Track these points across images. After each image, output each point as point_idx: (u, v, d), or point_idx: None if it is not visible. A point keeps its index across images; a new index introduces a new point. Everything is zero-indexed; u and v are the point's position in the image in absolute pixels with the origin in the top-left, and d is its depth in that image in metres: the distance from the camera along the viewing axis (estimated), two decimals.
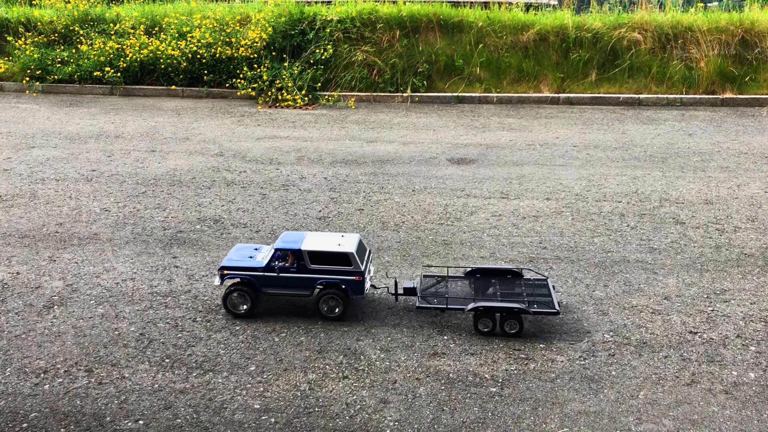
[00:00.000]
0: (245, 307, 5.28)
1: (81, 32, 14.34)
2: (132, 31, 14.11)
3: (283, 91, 12.98)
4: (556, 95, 13.12)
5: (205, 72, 13.55)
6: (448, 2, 14.53)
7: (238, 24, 14.03)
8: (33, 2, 16.16)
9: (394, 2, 14.24)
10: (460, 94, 13.24)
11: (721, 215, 7.42)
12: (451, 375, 4.61)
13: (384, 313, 5.38)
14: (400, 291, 5.38)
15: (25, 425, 4.15)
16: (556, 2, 15.70)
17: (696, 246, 6.65)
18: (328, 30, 13.59)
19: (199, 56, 13.52)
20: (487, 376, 4.60)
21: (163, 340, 5.03)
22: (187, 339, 5.05)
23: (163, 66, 13.64)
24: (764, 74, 13.15)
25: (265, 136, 10.71)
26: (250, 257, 5.38)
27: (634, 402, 4.33)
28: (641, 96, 13.01)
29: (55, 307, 5.52)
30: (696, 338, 5.05)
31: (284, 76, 13.02)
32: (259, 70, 13.23)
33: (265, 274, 5.24)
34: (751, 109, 12.60)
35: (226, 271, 5.30)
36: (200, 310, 5.45)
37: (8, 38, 14.72)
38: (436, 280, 5.55)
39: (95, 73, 13.74)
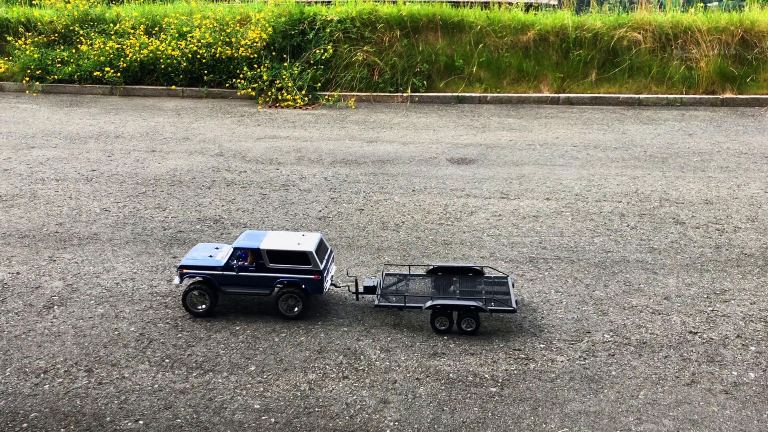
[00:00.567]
0: (204, 305, 5.30)
1: (81, 32, 14.34)
2: (132, 31, 14.11)
3: (283, 91, 12.98)
4: (556, 95, 13.12)
5: (205, 72, 13.55)
6: (448, 2, 14.53)
7: (238, 24, 14.03)
8: (33, 2, 16.16)
9: (394, 2, 14.24)
10: (460, 94, 13.24)
11: (721, 215, 7.42)
12: (451, 375, 4.61)
13: (384, 313, 5.38)
14: (361, 290, 5.41)
15: (25, 425, 4.15)
16: (556, 2, 15.70)
17: (696, 246, 6.65)
18: (328, 30, 13.59)
19: (199, 56, 13.52)
20: (487, 376, 4.60)
21: (163, 340, 5.03)
22: (187, 339, 5.05)
23: (163, 66, 13.64)
24: (764, 74, 13.15)
25: (265, 136, 10.71)
26: (210, 256, 5.41)
27: (634, 402, 4.33)
28: (641, 96, 13.01)
29: (55, 307, 5.52)
30: (696, 338, 5.05)
31: (284, 76, 13.02)
32: (259, 70, 13.23)
33: (224, 273, 5.27)
34: (751, 109, 12.60)
35: (185, 270, 5.33)
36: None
37: (8, 38, 14.72)
38: (397, 279, 5.57)
39: (95, 73, 13.74)
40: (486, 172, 8.91)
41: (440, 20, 13.80)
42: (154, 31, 14.29)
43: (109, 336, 5.09)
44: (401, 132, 10.97)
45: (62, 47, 14.41)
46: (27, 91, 13.93)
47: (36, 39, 14.53)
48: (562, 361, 4.76)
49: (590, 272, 6.10)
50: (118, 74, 13.69)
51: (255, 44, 13.40)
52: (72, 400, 4.36)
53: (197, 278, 5.35)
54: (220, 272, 5.28)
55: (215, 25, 13.86)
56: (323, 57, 13.41)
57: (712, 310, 5.45)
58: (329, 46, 13.42)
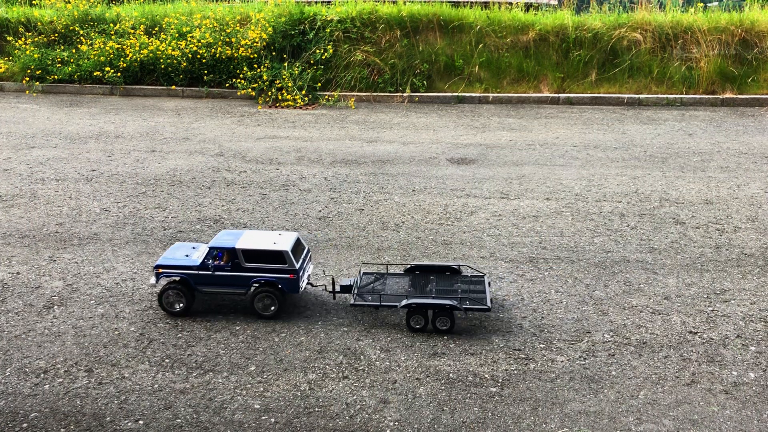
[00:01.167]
0: (181, 305, 5.31)
1: (81, 32, 14.34)
2: (132, 31, 14.11)
3: (283, 91, 12.98)
4: (556, 95, 13.12)
5: (205, 72, 13.55)
6: (449, 2, 14.52)
7: (238, 24, 14.03)
8: (33, 2, 16.16)
9: (394, 2, 14.24)
10: (460, 94, 13.24)
11: (721, 215, 7.42)
12: (451, 375, 4.61)
13: (384, 313, 5.38)
14: (337, 289, 5.43)
15: (25, 425, 4.15)
16: (556, 2, 15.70)
17: (696, 246, 6.65)
18: (328, 30, 13.59)
19: (199, 56, 13.52)
20: (487, 376, 4.60)
21: (163, 340, 5.03)
22: (187, 339, 5.05)
23: (163, 66, 13.64)
24: (764, 74, 13.15)
25: (265, 136, 10.71)
26: (187, 256, 5.43)
27: (634, 402, 4.33)
28: (641, 96, 13.01)
29: (55, 307, 5.52)
30: (696, 338, 5.05)
31: (284, 76, 13.02)
32: (259, 70, 13.23)
33: (200, 272, 5.28)
34: (751, 109, 12.60)
35: (161, 270, 5.34)
36: (200, 310, 5.45)
37: (8, 38, 14.71)
38: (374, 278, 5.58)
39: (95, 73, 13.74)
40: (486, 172, 8.91)
41: (440, 20, 13.80)
42: (154, 31, 14.28)
43: (109, 336, 5.09)
44: (401, 132, 10.97)
45: (62, 47, 14.41)
46: (27, 91, 13.93)
47: (36, 39, 14.53)
48: (562, 361, 4.76)
49: (590, 272, 6.10)
50: (118, 74, 13.68)
51: (255, 44, 13.40)
52: (72, 400, 4.36)
53: (173, 278, 5.36)
54: (196, 272, 5.28)
55: (215, 25, 13.86)
56: (323, 57, 13.41)
57: (712, 310, 5.45)
58: (329, 46, 13.42)
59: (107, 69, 13.65)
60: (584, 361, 4.76)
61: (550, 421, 4.16)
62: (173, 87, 13.67)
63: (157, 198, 7.98)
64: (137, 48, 13.72)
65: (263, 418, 4.20)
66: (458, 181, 8.52)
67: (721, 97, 12.91)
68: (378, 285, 5.47)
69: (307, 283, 5.48)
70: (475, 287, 5.37)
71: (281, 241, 5.26)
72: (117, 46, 13.85)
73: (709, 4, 15.33)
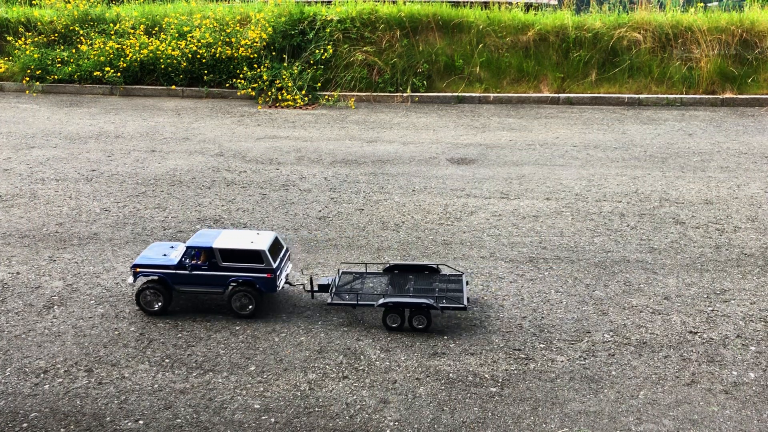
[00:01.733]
0: (159, 304, 5.32)
1: (81, 32, 14.34)
2: (132, 31, 14.11)
3: (283, 91, 12.98)
4: (556, 95, 13.12)
5: (205, 72, 13.55)
6: (448, 2, 14.52)
7: (238, 24, 14.02)
8: (33, 2, 16.15)
9: (394, 2, 14.24)
10: (460, 94, 13.24)
11: (721, 215, 7.42)
12: (451, 375, 4.61)
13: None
14: (315, 288, 5.44)
15: (25, 425, 4.15)
16: (556, 2, 15.69)
17: (696, 246, 6.65)
18: (328, 30, 13.59)
19: (199, 56, 13.52)
20: (487, 376, 4.60)
21: (163, 340, 5.03)
22: (187, 339, 5.05)
23: (163, 66, 13.63)
24: (764, 74, 13.15)
25: (265, 136, 10.71)
26: (165, 255, 5.44)
27: (634, 402, 4.33)
28: (641, 96, 13.01)
29: (55, 307, 5.52)
30: (696, 338, 5.05)
31: (284, 76, 13.02)
32: (259, 70, 13.23)
33: (177, 271, 5.28)
34: (751, 109, 12.60)
35: (138, 269, 5.35)
36: (200, 310, 5.45)
37: (8, 38, 14.71)
38: (353, 277, 5.60)
39: (95, 73, 13.74)
40: (486, 172, 8.91)
41: (440, 20, 13.79)
42: (154, 31, 14.28)
43: (109, 336, 5.09)
44: (401, 132, 10.97)
45: (62, 47, 14.40)
46: (27, 91, 13.93)
47: (36, 39, 14.52)
48: (562, 361, 4.76)
49: (590, 272, 6.10)
50: (118, 74, 13.68)
51: (255, 44, 13.40)
52: (72, 400, 4.36)
53: (151, 277, 5.37)
54: (174, 271, 5.29)
55: (215, 25, 13.86)
56: (323, 57, 13.41)
57: (712, 310, 5.45)
58: (329, 46, 13.42)
59: (107, 69, 13.65)
60: (584, 361, 4.77)
61: (550, 421, 4.16)
62: (173, 87, 13.67)
63: (157, 198, 7.98)
64: (137, 48, 13.72)
65: (263, 418, 4.20)
66: (458, 181, 8.52)
67: (721, 97, 12.90)
68: (356, 284, 5.49)
69: (285, 283, 5.50)
70: (452, 286, 5.40)
71: (259, 240, 5.27)
72: (117, 46, 13.84)
73: (709, 4, 15.33)
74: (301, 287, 5.71)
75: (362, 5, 14.02)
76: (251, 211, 7.58)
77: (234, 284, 5.26)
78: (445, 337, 5.06)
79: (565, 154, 9.67)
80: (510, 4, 14.50)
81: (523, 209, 7.60)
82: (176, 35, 13.87)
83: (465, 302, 5.13)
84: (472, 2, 14.47)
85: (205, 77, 13.55)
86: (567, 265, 6.24)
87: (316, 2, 14.98)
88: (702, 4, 14.89)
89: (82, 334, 5.11)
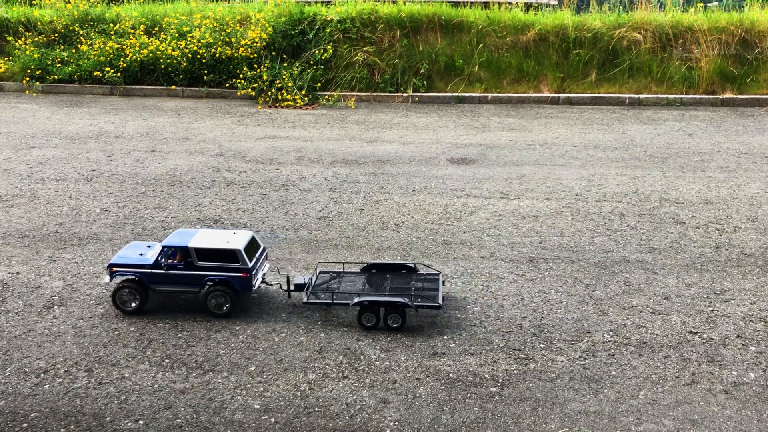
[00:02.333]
0: (135, 304, 5.34)
1: (81, 32, 14.33)
2: (132, 31, 14.11)
3: (283, 91, 12.97)
4: (556, 95, 13.12)
5: (205, 72, 13.55)
6: (448, 2, 14.51)
7: (238, 24, 14.02)
8: (33, 2, 16.15)
9: (394, 2, 14.24)
10: (460, 94, 13.24)
11: (721, 215, 7.42)
12: (451, 375, 4.61)
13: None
14: (292, 287, 5.45)
15: (25, 425, 4.15)
16: (556, 2, 15.69)
17: (696, 246, 6.65)
18: (328, 30, 13.59)
19: (199, 56, 13.51)
20: (487, 376, 4.60)
21: (163, 340, 5.03)
22: (187, 339, 5.05)
23: (163, 66, 13.63)
24: (764, 74, 13.15)
25: (265, 136, 10.71)
26: (141, 254, 5.45)
27: (634, 402, 4.33)
28: (641, 96, 13.01)
29: (55, 307, 5.52)
30: (696, 338, 5.05)
31: (284, 76, 13.02)
32: (259, 70, 13.23)
33: (153, 271, 5.30)
34: (751, 109, 12.60)
35: (115, 269, 5.36)
36: (200, 310, 5.45)
37: (8, 38, 14.71)
38: (330, 276, 5.61)
39: (95, 73, 13.74)
40: (486, 172, 8.91)
41: (440, 20, 13.79)
42: (154, 31, 14.27)
43: (109, 336, 5.09)
44: (401, 132, 10.97)
45: (62, 47, 14.40)
46: (27, 91, 13.93)
47: (36, 39, 14.52)
48: (562, 361, 4.76)
49: (590, 272, 6.10)
50: (118, 74, 13.67)
51: (255, 44, 13.39)
52: (72, 400, 4.36)
53: (127, 276, 5.37)
54: (149, 270, 5.30)
55: (215, 25, 13.86)
56: (323, 57, 13.41)
57: (712, 310, 5.45)
58: (329, 46, 13.41)
59: (107, 69, 13.64)
60: (584, 361, 4.77)
61: (550, 421, 4.16)
62: (173, 87, 13.67)
63: (157, 198, 7.98)
64: (137, 48, 13.71)
65: (263, 418, 4.20)
66: (458, 181, 8.52)
67: (721, 97, 12.90)
68: (333, 283, 5.50)
69: (262, 282, 5.50)
70: (429, 285, 5.42)
71: (235, 239, 5.29)
72: (117, 46, 13.84)
73: (709, 4, 15.33)
74: (278, 286, 5.72)
75: (362, 5, 14.02)
76: (251, 211, 7.58)
77: (210, 283, 5.27)
78: (445, 337, 5.06)
79: (565, 154, 9.67)
80: (510, 4, 14.50)
81: (523, 209, 7.60)
82: (176, 35, 13.86)
83: (440, 301, 5.15)
84: (472, 2, 14.46)
85: (205, 77, 13.54)
86: (567, 265, 6.24)
87: (316, 2, 14.98)
88: (702, 4, 14.89)
89: (82, 334, 5.11)
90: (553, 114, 12.26)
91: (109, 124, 11.45)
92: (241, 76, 13.25)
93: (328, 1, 14.88)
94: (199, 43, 13.51)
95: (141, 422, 4.16)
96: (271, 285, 5.70)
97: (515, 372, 4.64)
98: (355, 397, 4.38)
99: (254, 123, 11.54)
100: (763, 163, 9.29)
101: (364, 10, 13.84)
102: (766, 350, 4.90)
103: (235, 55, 13.41)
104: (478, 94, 13.24)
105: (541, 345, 4.96)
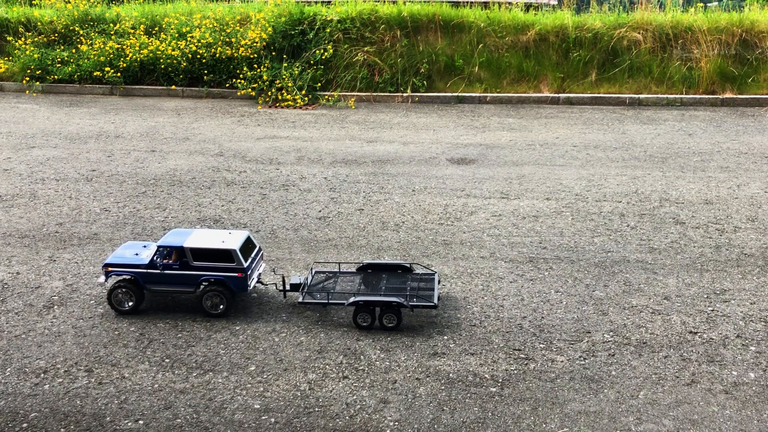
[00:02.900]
0: (130, 304, 5.34)
1: (81, 32, 14.34)
2: (132, 31, 14.11)
3: (283, 91, 12.98)
4: (556, 95, 13.12)
5: (205, 72, 13.55)
6: (449, 2, 14.52)
7: (238, 24, 14.03)
8: (33, 2, 16.15)
9: (394, 2, 14.24)
10: (460, 94, 13.24)
11: (721, 215, 7.42)
12: (451, 375, 4.61)
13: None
14: (288, 287, 5.45)
15: (25, 425, 4.15)
16: (556, 2, 15.69)
17: (696, 246, 6.65)
18: (328, 30, 13.59)
19: (199, 56, 13.52)
20: (487, 376, 4.60)
21: (163, 340, 5.03)
22: (187, 339, 5.05)
23: (163, 66, 13.63)
24: (764, 74, 13.15)
25: (265, 136, 10.71)
26: (136, 254, 5.45)
27: (634, 402, 4.33)
28: (641, 96, 13.01)
29: (55, 307, 5.52)
30: (696, 338, 5.05)
31: (284, 76, 13.02)
32: (259, 70, 13.23)
33: (149, 271, 5.30)
34: (751, 109, 12.60)
35: (110, 269, 5.36)
36: (200, 310, 5.44)
37: (8, 38, 14.71)
38: (326, 276, 5.62)
39: (95, 73, 13.74)
40: (486, 172, 8.91)
41: (440, 20, 13.79)
42: (154, 31, 14.28)
43: (109, 336, 5.09)
44: (401, 132, 10.97)
45: (62, 47, 14.40)
46: (27, 91, 13.93)
47: (36, 39, 14.52)
48: (562, 361, 4.76)
49: (590, 272, 6.10)
50: (118, 74, 13.68)
51: (255, 44, 13.39)
52: (72, 400, 4.36)
53: (123, 276, 5.38)
54: (145, 270, 5.30)
55: (215, 25, 13.86)
56: (323, 57, 13.41)
57: (712, 310, 5.45)
58: (329, 46, 13.42)
59: (107, 69, 13.65)
60: (584, 361, 4.76)
61: (550, 421, 4.16)
62: (173, 87, 13.67)
63: (157, 198, 7.98)
64: (137, 48, 13.72)
65: (263, 418, 4.20)
66: (458, 181, 8.52)
67: (721, 97, 12.90)
68: (329, 283, 5.51)
69: (258, 282, 5.50)
70: (424, 285, 5.42)
71: (230, 239, 5.29)
72: (117, 46, 13.84)
73: (709, 4, 15.34)
74: (273, 286, 5.71)
75: (362, 5, 14.02)
76: (251, 211, 7.58)
77: (205, 283, 5.27)
78: (445, 337, 5.06)
79: (565, 154, 9.67)
80: (510, 4, 14.50)
81: (523, 209, 7.60)
82: (176, 35, 13.87)
83: (435, 300, 5.15)
84: (472, 2, 14.47)
85: (205, 77, 13.55)
86: (567, 265, 6.24)
87: (316, 2, 14.98)
88: (702, 4, 14.89)
89: (82, 334, 5.11)
90: (553, 114, 12.26)
91: (109, 124, 11.45)
92: (241, 76, 13.26)
93: (329, 1, 14.88)
94: (199, 43, 13.51)
95: (141, 422, 4.16)
96: (266, 285, 5.70)
97: (515, 372, 4.64)
98: (355, 397, 4.38)
99: (254, 123, 11.55)
100: (763, 163, 9.29)
101: (365, 10, 13.84)
102: (766, 350, 4.90)
103: (235, 55, 13.41)
104: (478, 94, 13.25)
105: (541, 345, 4.96)
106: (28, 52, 14.10)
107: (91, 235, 6.94)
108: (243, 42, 13.40)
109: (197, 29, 13.75)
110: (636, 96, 13.02)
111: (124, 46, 13.81)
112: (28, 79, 14.01)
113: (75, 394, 4.42)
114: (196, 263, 5.24)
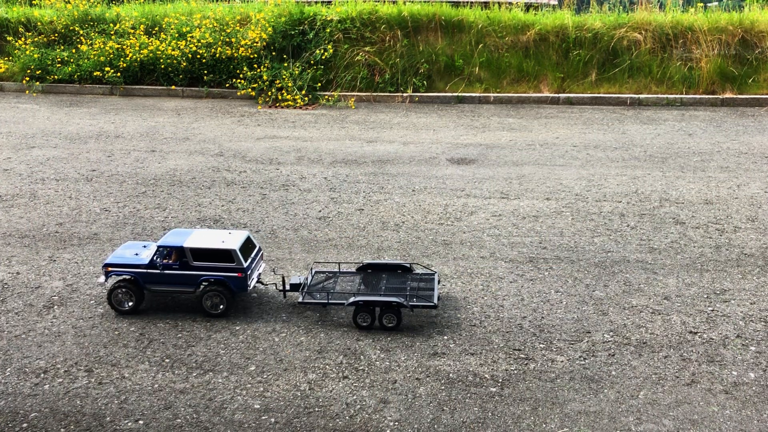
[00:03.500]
0: (130, 304, 5.34)
1: (81, 32, 14.34)
2: (132, 31, 14.11)
3: (283, 91, 12.97)
4: (556, 95, 13.12)
5: (205, 72, 13.55)
6: (449, 2, 14.52)
7: (238, 24, 14.02)
8: (33, 2, 16.15)
9: (394, 2, 14.24)
10: (460, 94, 13.24)
11: (721, 215, 7.42)
12: (451, 375, 4.61)
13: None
14: (287, 287, 5.45)
15: (25, 425, 4.15)
16: (556, 2, 15.69)
17: (696, 246, 6.65)
18: (328, 30, 13.59)
19: (199, 56, 13.52)
20: (487, 376, 4.60)
21: (163, 340, 5.03)
22: (187, 339, 5.05)
23: (163, 66, 13.63)
24: (764, 74, 13.15)
25: (265, 136, 10.71)
26: (136, 254, 5.46)
27: (634, 402, 4.33)
28: (641, 96, 13.01)
29: (55, 307, 5.52)
30: (696, 338, 5.05)
31: (284, 76, 13.02)
32: (259, 70, 13.23)
33: (149, 271, 5.30)
34: (751, 109, 12.60)
35: (110, 269, 5.36)
36: (200, 309, 5.44)
37: (8, 38, 14.71)
38: (326, 276, 5.62)
39: (95, 73, 13.74)
40: (486, 172, 8.91)
41: (440, 20, 13.79)
42: (154, 31, 14.27)
43: (109, 336, 5.09)
44: (401, 132, 10.97)
45: (62, 47, 14.40)
46: (27, 91, 13.93)
47: (36, 39, 14.52)
48: (562, 361, 4.76)
49: (590, 272, 6.10)
50: (118, 74, 13.68)
51: (255, 44, 13.39)
52: (72, 400, 4.36)
53: (123, 276, 5.38)
54: (145, 270, 5.30)
55: (215, 25, 13.86)
56: (323, 57, 13.41)
57: (712, 310, 5.45)
58: (329, 46, 13.41)
59: (107, 69, 13.65)
60: (584, 361, 4.77)
61: (550, 421, 4.16)
62: (173, 87, 13.67)
63: (157, 198, 7.98)
64: (137, 48, 13.71)
65: (263, 418, 4.20)
66: (458, 181, 8.52)
67: (721, 97, 12.90)
68: (329, 283, 5.51)
69: (257, 282, 5.50)
70: (424, 285, 5.42)
71: (230, 239, 5.29)
72: (117, 46, 13.84)
73: (709, 4, 15.33)
74: (273, 286, 5.71)
75: (362, 5, 14.02)
76: (251, 211, 7.58)
77: (205, 283, 5.27)
78: (445, 337, 5.06)
79: (565, 154, 9.67)
80: (510, 4, 14.50)
81: (523, 209, 7.60)
82: (176, 35, 13.87)
83: (435, 301, 5.15)
84: (472, 2, 14.47)
85: (205, 77, 13.55)
86: (567, 265, 6.24)
87: (316, 2, 14.98)
88: (702, 4, 14.89)
89: (82, 334, 5.11)
90: (553, 114, 12.26)
91: (109, 124, 11.45)
92: (241, 76, 13.26)
93: (329, 1, 14.88)
94: (199, 43, 13.51)
95: (141, 422, 4.16)
96: (266, 285, 5.70)
97: (515, 372, 4.64)
98: (355, 397, 4.38)
99: (254, 123, 11.55)
100: (763, 163, 9.29)
101: (365, 10, 13.84)
102: (766, 350, 4.90)
103: (235, 55, 13.41)
104: (478, 94, 13.25)
105: (541, 345, 4.96)
106: (28, 52, 14.10)
107: (91, 235, 6.94)
108: (243, 42, 13.40)
109: (197, 29, 13.75)
110: (636, 96, 13.02)
111: (124, 46, 13.81)
112: (28, 79, 14.01)
113: (75, 394, 4.42)
114: (196, 263, 5.24)
